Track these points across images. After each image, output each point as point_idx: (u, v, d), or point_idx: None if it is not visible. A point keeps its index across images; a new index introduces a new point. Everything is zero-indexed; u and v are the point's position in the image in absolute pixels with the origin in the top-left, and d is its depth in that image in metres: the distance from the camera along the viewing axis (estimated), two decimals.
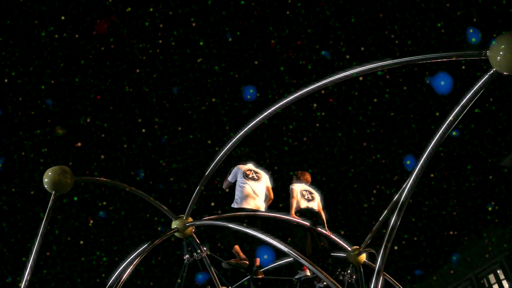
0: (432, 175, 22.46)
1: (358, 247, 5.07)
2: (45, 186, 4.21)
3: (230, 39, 22.60)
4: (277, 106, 4.46)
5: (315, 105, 22.40)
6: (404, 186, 4.24)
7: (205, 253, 4.72)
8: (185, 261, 4.67)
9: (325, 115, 23.48)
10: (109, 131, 22.61)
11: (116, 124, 22.74)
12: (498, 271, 17.99)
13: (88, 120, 22.23)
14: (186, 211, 4.55)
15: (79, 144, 22.13)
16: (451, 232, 21.79)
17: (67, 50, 21.80)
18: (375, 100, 22.93)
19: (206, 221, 4.67)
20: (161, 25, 22.31)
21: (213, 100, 23.02)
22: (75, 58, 21.95)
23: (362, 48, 22.67)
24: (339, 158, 25.50)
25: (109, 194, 23.10)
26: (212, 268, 4.77)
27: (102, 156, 22.37)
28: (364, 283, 4.91)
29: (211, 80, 22.96)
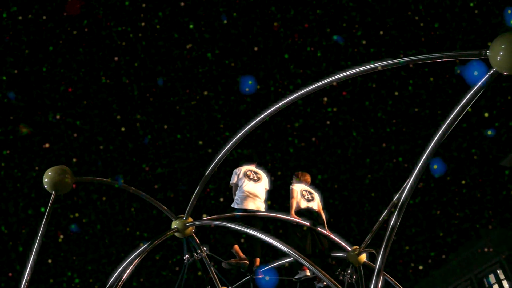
0: (463, 182, 23.31)
1: (358, 247, 6.12)
2: (45, 186, 5.18)
3: (225, 21, 23.21)
4: (281, 103, 5.23)
5: (325, 99, 23.01)
6: (404, 185, 5.18)
7: (205, 253, 5.72)
8: (185, 261, 5.66)
9: (337, 111, 24.07)
10: (82, 129, 23.26)
11: (91, 121, 23.39)
12: (498, 271, 21.00)
13: (58, 116, 22.89)
14: (186, 211, 5.54)
15: (46, 145, 22.83)
16: (485, 249, 22.90)
17: (33, 34, 22.40)
18: (396, 93, 23.57)
19: (206, 221, 5.67)
20: (143, 5, 22.82)
21: (205, 93, 23.66)
22: (42, 44, 22.55)
23: (381, 32, 23.22)
24: (353, 162, 26.12)
25: (82, 204, 23.74)
26: (212, 268, 5.78)
27: (74, 160, 23.06)
28: (364, 283, 5.93)
29: (203, 69, 23.57)
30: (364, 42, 23.47)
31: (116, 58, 23.13)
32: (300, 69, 24.35)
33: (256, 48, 24.28)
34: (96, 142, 23.74)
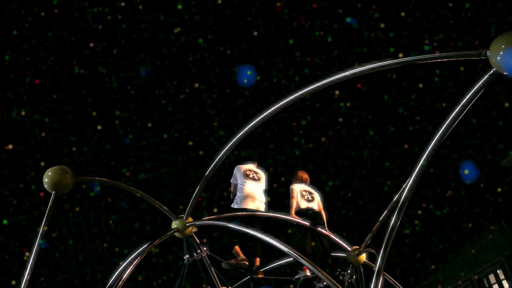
0: (499, 190, 24.32)
1: (358, 247, 7.44)
2: (45, 186, 6.41)
3: (219, 1, 23.91)
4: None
5: (337, 92, 23.68)
6: (404, 186, 6.38)
7: (205, 253, 7.01)
8: (185, 261, 6.95)
9: (351, 107, 24.65)
10: (52, 128, 23.91)
11: (62, 118, 24.04)
12: (498, 271, 24.88)
13: (23, 113, 23.58)
14: (186, 211, 6.80)
15: (10, 146, 23.63)
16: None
17: None
18: (421, 85, 24.21)
19: (206, 221, 6.93)
20: None
21: (196, 85, 24.32)
22: (5, 28, 23.24)
23: (403, 14, 23.86)
24: (370, 166, 26.79)
25: (52, 215, 24.52)
26: (212, 268, 7.08)
27: (42, 163, 23.78)
28: (364, 283, 7.24)
29: (193, 58, 24.16)
30: (382, 25, 23.35)
31: (91, 45, 23.20)
32: (307, 57, 24.30)
33: (255, 33, 24.11)
34: (68, 142, 23.86)
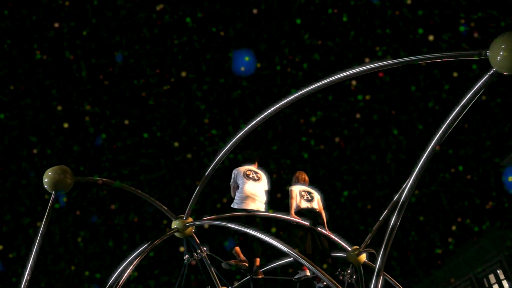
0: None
1: (358, 247, 9.45)
2: (45, 186, 8.33)
3: None
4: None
5: (353, 83, 23.78)
6: (404, 186, 8.30)
7: (205, 253, 9.00)
8: (185, 261, 8.94)
9: (370, 100, 24.91)
10: (9, 126, 24.52)
11: (21, 114, 24.55)
12: (498, 271, 29.90)
13: None
14: (186, 211, 8.76)
15: None
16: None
17: None
18: (455, 74, 24.62)
19: (206, 221, 8.90)
20: None
21: (183, 74, 24.69)
22: None
23: None
24: (394, 173, 27.05)
25: (8, 232, 25.30)
26: (212, 268, 9.08)
27: None
28: (364, 283, 9.25)
29: (180, 41, 24.56)
30: (409, 1, 23.88)
31: (56, 25, 23.78)
32: (317, 40, 24.90)
33: (255, 10, 24.67)
34: (28, 143, 24.57)
